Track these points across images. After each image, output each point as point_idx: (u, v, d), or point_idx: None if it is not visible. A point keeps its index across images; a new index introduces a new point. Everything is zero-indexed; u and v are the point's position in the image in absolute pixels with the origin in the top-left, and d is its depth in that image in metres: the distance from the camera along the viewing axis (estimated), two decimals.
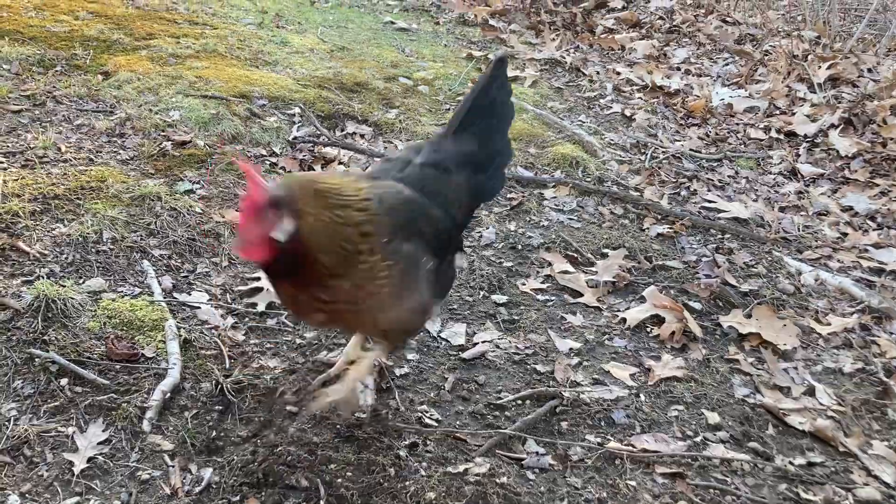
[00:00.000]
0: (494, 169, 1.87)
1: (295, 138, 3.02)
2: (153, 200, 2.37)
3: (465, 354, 2.01)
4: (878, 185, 3.16)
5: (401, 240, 1.55)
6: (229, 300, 2.10)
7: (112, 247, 2.16)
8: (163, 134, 2.79)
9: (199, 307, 2.02)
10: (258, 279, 2.16)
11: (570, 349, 2.11)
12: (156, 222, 2.29)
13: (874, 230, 2.90)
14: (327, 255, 1.46)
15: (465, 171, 1.77)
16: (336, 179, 1.55)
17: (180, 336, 1.88)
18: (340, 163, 2.93)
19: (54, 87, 3.01)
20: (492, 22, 5.09)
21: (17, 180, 2.32)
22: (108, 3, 4.04)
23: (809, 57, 4.21)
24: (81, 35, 3.51)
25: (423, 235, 1.61)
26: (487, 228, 2.65)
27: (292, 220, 1.42)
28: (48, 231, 2.16)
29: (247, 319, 2.04)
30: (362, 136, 3.20)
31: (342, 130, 3.21)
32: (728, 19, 5.29)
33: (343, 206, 1.48)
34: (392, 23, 4.80)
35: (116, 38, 3.56)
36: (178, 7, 4.26)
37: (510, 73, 4.13)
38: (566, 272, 2.45)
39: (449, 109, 3.54)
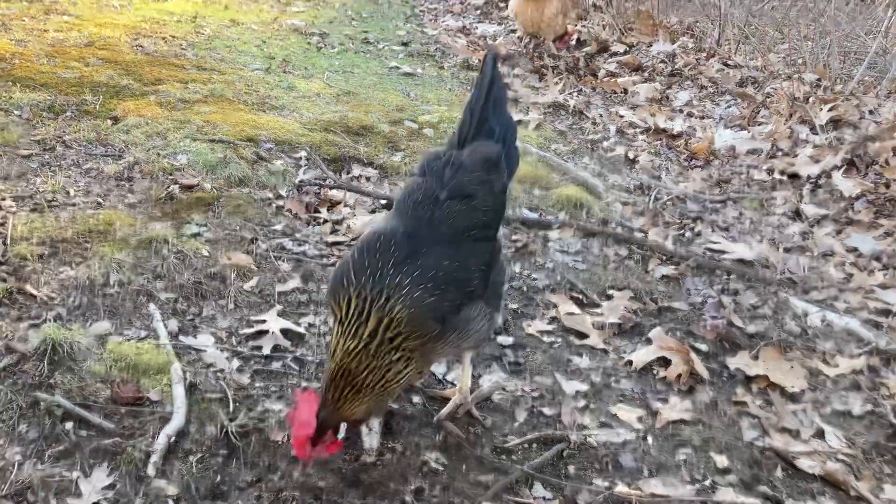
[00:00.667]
0: (509, 148, 1.91)
1: (301, 181, 3.05)
2: (160, 244, 2.39)
3: (471, 397, 2.00)
4: (882, 226, 3.16)
5: (448, 319, 1.65)
6: (235, 343, 2.10)
7: (119, 290, 2.17)
8: (170, 178, 2.82)
9: (204, 350, 2.03)
10: (263, 321, 2.16)
11: (577, 391, 2.10)
12: (162, 265, 2.30)
13: (880, 271, 2.89)
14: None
15: (488, 182, 1.79)
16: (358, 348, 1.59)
17: (185, 379, 1.87)
18: (346, 205, 2.95)
19: (64, 131, 3.06)
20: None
21: (26, 224, 2.35)
22: (118, 50, 4.12)
23: (811, 99, 4.25)
24: (91, 81, 3.57)
25: (469, 291, 1.70)
26: None
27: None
28: (56, 274, 2.17)
29: (252, 362, 2.04)
30: (368, 178, 3.23)
31: (348, 173, 3.24)
32: (729, 63, 5.35)
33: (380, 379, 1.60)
34: (397, 68, 4.87)
35: (126, 83, 3.62)
36: (186, 53, 4.34)
37: (515, 116, 4.17)
38: (572, 314, 2.44)
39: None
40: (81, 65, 3.77)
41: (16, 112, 3.16)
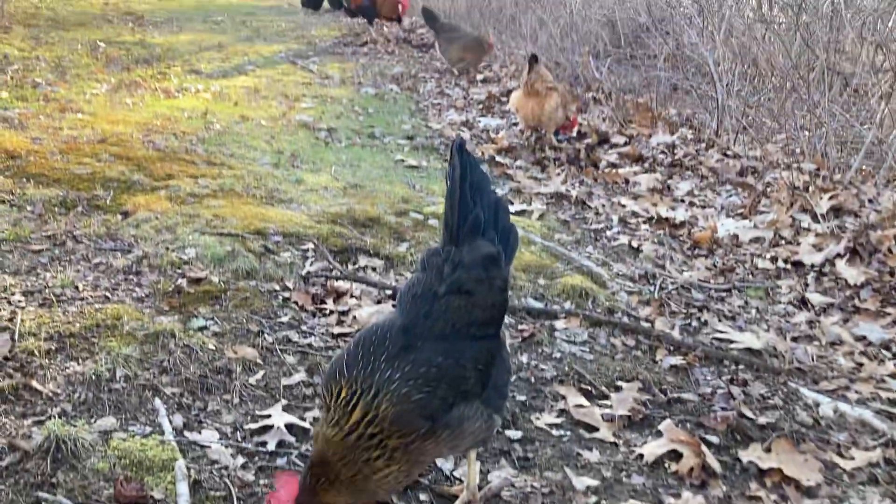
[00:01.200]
0: (503, 230, 1.88)
1: (308, 273, 3.08)
2: (167, 338, 2.39)
3: (480, 494, 1.96)
4: (889, 315, 3.15)
5: (439, 417, 1.62)
6: (239, 438, 2.07)
7: (125, 385, 2.16)
8: (178, 271, 2.84)
9: (209, 446, 2.00)
10: (268, 416, 2.14)
11: (587, 487, 2.05)
12: (169, 359, 2.30)
13: (890, 360, 2.87)
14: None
15: (487, 280, 1.77)
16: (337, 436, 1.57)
17: (190, 476, 1.84)
18: (352, 296, 2.96)
19: (75, 226, 3.10)
20: (498, 158, 5.26)
21: (34, 319, 2.36)
22: (130, 146, 4.23)
23: (810, 188, 4.32)
24: (103, 176, 3.65)
25: (463, 390, 1.67)
26: None
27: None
28: (62, 370, 2.17)
29: (256, 458, 2.01)
30: (374, 269, 3.25)
31: (354, 264, 3.26)
32: (728, 153, 5.45)
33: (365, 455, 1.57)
34: (403, 161, 4.97)
35: (137, 178, 3.70)
36: (197, 149, 4.44)
37: (518, 207, 4.24)
38: (581, 406, 2.42)
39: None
40: (94, 161, 3.86)
41: (28, 208, 3.22)
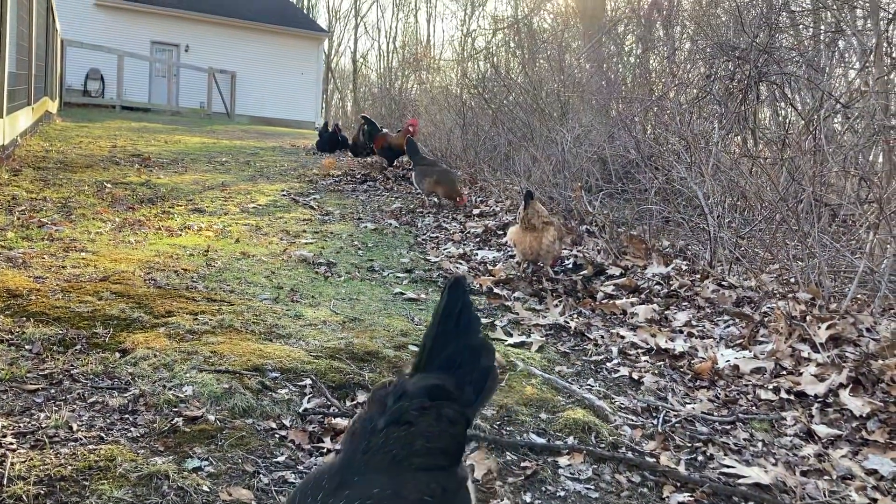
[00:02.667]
0: (473, 375, 1.77)
1: (305, 410, 3.03)
2: (160, 479, 2.33)
3: None
4: None
5: None
6: None
7: None
8: (174, 410, 2.80)
9: None
10: None
11: None
12: (161, 503, 2.23)
13: None
14: None
15: (432, 408, 1.65)
16: None
17: None
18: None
19: (72, 365, 3.09)
20: (496, 290, 5.31)
21: (24, 462, 2.30)
22: (132, 284, 4.27)
23: (808, 318, 4.33)
24: (103, 314, 3.66)
25: None
26: (502, 501, 2.56)
27: None
28: None
29: None
30: None
31: (353, 400, 3.22)
32: (723, 283, 5.50)
33: None
34: (402, 294, 5.01)
35: (136, 316, 3.71)
36: (197, 286, 4.48)
37: (517, 339, 4.24)
38: None
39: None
40: (95, 299, 3.89)
41: (27, 346, 3.21)
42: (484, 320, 4.52)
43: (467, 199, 8.88)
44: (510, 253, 6.35)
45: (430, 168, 9.06)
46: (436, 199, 8.94)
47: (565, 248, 6.32)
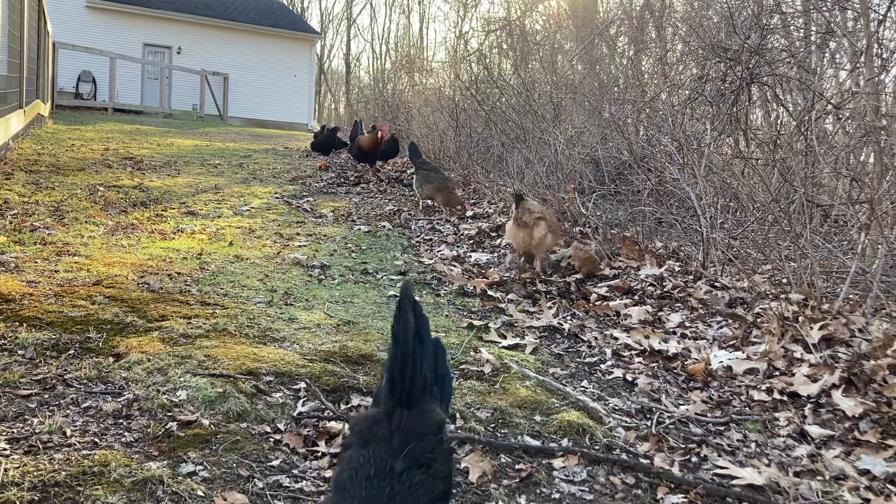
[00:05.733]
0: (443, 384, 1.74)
1: (300, 413, 3.03)
2: (155, 484, 2.33)
3: None
4: (891, 447, 3.10)
5: None
6: None
7: None
8: (168, 414, 2.80)
9: None
10: None
11: None
12: None
13: None
14: None
15: (441, 446, 1.62)
16: None
17: None
18: (344, 437, 2.90)
19: (66, 370, 3.08)
20: (490, 293, 5.31)
21: (18, 468, 2.30)
22: (125, 288, 4.26)
23: (800, 318, 4.35)
24: (97, 319, 3.65)
25: None
26: (497, 503, 2.57)
27: None
28: None
29: None
30: (366, 408, 3.20)
31: (347, 403, 3.22)
32: (716, 284, 5.52)
33: None
34: (396, 296, 5.00)
35: (130, 320, 3.71)
36: (191, 289, 4.48)
37: (511, 341, 4.24)
38: None
39: (453, 377, 3.57)
40: (88, 303, 3.88)
41: (20, 352, 3.20)
42: (478, 322, 4.52)
43: (468, 206, 8.89)
44: (503, 254, 6.36)
45: (433, 174, 9.04)
46: (430, 203, 8.95)
47: (561, 248, 6.34)
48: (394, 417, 1.59)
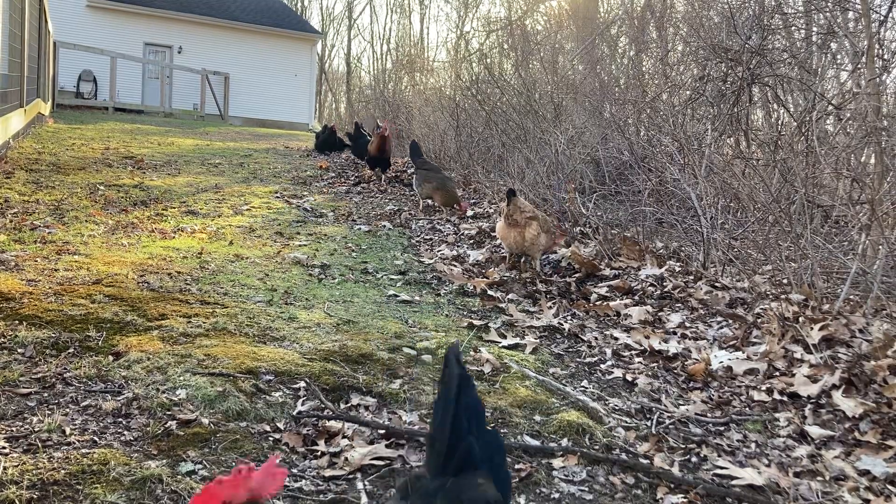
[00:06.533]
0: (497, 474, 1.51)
1: (299, 412, 3.03)
2: (154, 483, 2.32)
3: None
4: (891, 448, 3.10)
5: None
6: None
7: None
8: (168, 413, 2.80)
9: None
10: None
11: None
12: None
13: None
14: None
15: None
16: None
17: None
18: (344, 436, 2.90)
19: (65, 368, 3.08)
20: (490, 292, 5.31)
21: (17, 466, 2.29)
22: (125, 287, 4.25)
23: (800, 319, 4.34)
24: (96, 318, 3.65)
25: None
26: None
27: None
28: None
29: None
30: (367, 407, 3.21)
31: (346, 403, 3.22)
32: (717, 284, 5.51)
33: None
34: (395, 296, 5.00)
35: (130, 319, 3.70)
36: (191, 288, 4.47)
37: (511, 340, 4.24)
38: None
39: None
40: (88, 302, 3.88)
41: (19, 350, 3.20)
42: (478, 322, 4.52)
43: (467, 207, 8.87)
44: (503, 254, 6.36)
45: (432, 174, 9.04)
46: (430, 202, 8.95)
47: (560, 248, 6.33)
48: (437, 489, 1.43)
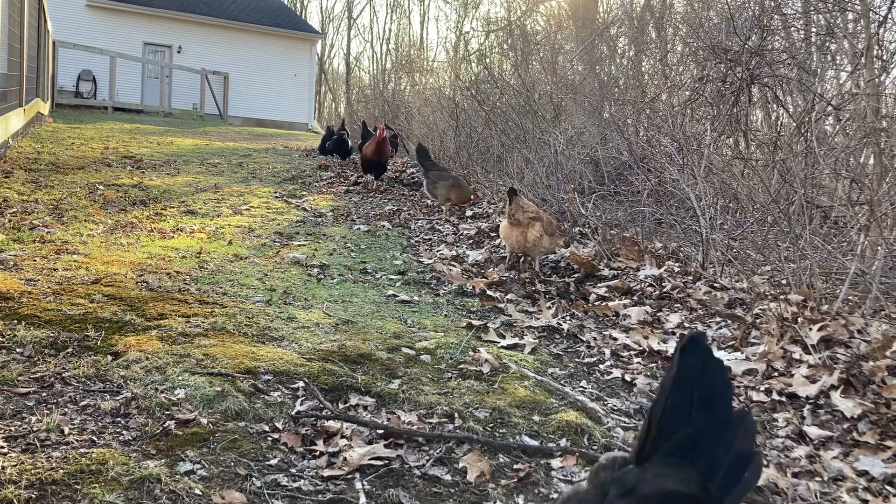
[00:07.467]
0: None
1: (298, 412, 3.03)
2: (152, 482, 2.32)
3: None
4: (889, 448, 3.10)
5: None
6: None
7: None
8: (167, 413, 2.80)
9: None
10: None
11: None
12: None
13: (894, 496, 2.80)
14: None
15: None
16: None
17: None
18: (343, 436, 2.90)
19: (64, 368, 3.07)
20: (489, 292, 5.31)
21: (15, 466, 2.29)
22: (124, 287, 4.25)
23: (799, 319, 4.34)
24: (95, 317, 3.65)
25: None
26: (495, 503, 2.56)
27: None
28: None
29: None
30: (365, 407, 3.20)
31: (345, 402, 3.22)
32: (716, 285, 5.52)
33: None
34: (394, 296, 5.00)
35: (129, 318, 3.70)
36: (190, 288, 4.47)
37: (510, 341, 4.24)
38: None
39: (451, 378, 3.58)
40: (87, 301, 3.88)
41: (18, 350, 3.20)
42: (477, 322, 4.52)
43: (480, 197, 8.99)
44: (503, 255, 6.36)
45: (443, 175, 9.04)
46: (431, 203, 8.96)
47: (559, 248, 6.33)
48: (621, 468, 1.25)
